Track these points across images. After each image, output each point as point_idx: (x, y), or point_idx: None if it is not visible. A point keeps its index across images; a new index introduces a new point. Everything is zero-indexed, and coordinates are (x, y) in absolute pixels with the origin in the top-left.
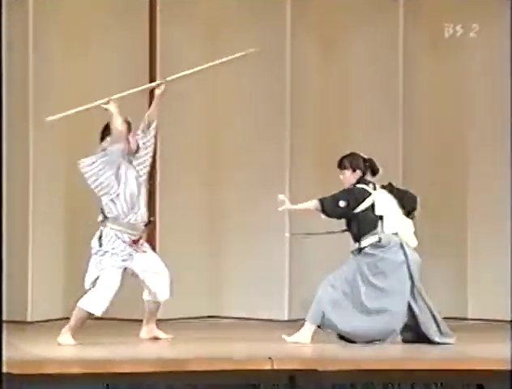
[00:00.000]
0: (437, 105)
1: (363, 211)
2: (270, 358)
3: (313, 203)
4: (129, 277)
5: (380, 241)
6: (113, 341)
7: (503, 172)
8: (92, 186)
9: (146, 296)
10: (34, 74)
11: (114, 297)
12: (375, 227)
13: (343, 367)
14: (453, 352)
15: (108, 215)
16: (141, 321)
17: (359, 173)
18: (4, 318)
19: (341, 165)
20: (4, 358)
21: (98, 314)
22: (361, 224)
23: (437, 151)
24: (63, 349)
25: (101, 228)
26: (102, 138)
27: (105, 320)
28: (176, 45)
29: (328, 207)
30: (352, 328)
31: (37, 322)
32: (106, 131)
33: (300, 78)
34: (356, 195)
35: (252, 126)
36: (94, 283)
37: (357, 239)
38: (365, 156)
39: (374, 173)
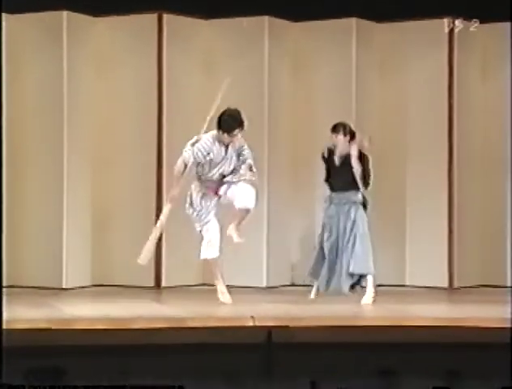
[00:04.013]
0: (383, 112)
1: None
2: (252, 316)
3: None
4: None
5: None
6: (128, 303)
7: (437, 154)
8: None
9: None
10: (68, 91)
11: None
12: None
13: (312, 324)
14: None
15: None
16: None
17: (348, 137)
18: (45, 285)
19: (335, 130)
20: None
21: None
22: None
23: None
24: (90, 310)
25: None
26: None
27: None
28: (178, 70)
29: None
30: None
31: (70, 288)
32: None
33: (275, 93)
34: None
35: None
36: None
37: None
38: None
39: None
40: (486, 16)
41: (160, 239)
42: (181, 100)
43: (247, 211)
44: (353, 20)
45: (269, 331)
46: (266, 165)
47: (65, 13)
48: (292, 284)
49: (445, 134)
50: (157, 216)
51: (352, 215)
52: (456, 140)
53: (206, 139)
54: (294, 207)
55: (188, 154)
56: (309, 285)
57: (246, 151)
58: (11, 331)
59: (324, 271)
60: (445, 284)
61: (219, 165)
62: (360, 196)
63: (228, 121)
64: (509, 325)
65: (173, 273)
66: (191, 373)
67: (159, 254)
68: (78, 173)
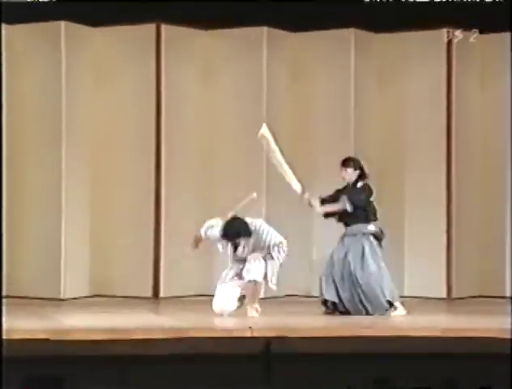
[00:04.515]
0: (382, 121)
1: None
2: (250, 327)
3: (341, 205)
4: None
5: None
6: (126, 314)
7: (436, 165)
8: None
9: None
10: (66, 101)
11: None
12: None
13: (311, 334)
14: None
15: None
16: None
17: (358, 172)
18: (44, 295)
19: (345, 164)
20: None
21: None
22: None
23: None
24: (88, 320)
25: None
26: None
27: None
28: (177, 78)
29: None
30: None
31: (69, 299)
32: None
33: (274, 102)
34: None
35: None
36: None
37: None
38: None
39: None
40: (485, 27)
41: (158, 250)
42: (179, 108)
43: (255, 284)
44: (352, 30)
45: (267, 341)
46: (265, 175)
47: (63, 23)
48: (292, 295)
49: (444, 143)
50: (156, 224)
51: (367, 247)
52: (455, 148)
53: (217, 232)
54: (292, 220)
55: (202, 231)
56: (308, 296)
57: (266, 234)
58: (10, 341)
59: (347, 302)
60: (444, 294)
61: (231, 255)
62: (370, 227)
63: (230, 237)
64: (508, 336)
65: (171, 284)
66: (190, 383)
67: (157, 264)
68: (76, 180)
